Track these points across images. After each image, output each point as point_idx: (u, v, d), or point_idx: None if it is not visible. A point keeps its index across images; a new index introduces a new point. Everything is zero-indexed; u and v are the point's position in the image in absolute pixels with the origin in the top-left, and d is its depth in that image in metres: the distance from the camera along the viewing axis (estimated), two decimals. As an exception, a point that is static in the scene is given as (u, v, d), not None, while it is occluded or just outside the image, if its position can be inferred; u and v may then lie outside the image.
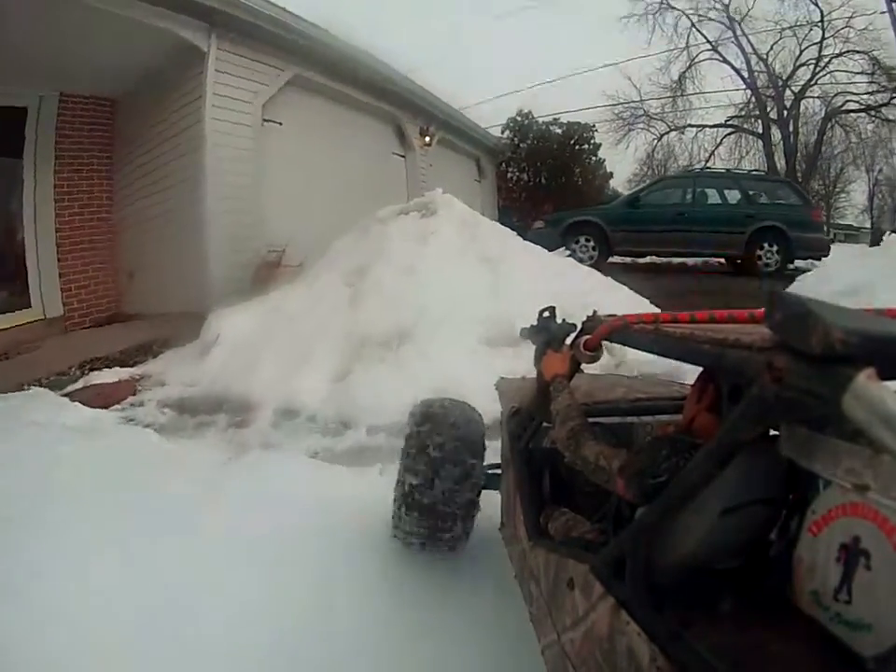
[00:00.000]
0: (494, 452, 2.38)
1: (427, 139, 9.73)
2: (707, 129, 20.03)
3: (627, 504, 1.27)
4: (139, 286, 7.60)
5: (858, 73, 17.93)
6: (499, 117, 16.86)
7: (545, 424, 1.81)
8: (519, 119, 17.75)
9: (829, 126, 18.55)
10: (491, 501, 2.35)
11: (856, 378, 0.70)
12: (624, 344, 1.49)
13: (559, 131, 17.72)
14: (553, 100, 18.92)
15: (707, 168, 12.20)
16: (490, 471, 2.35)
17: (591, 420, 1.49)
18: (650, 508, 1.12)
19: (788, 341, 0.84)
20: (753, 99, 19.41)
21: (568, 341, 1.74)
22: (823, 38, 18.25)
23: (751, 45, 19.22)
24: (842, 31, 17.76)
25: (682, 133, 20.26)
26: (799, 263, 9.50)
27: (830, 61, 18.20)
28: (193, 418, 4.51)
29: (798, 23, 18.40)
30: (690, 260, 10.44)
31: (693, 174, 11.68)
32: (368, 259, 5.58)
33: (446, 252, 5.59)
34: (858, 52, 17.71)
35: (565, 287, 5.65)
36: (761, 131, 19.12)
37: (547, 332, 1.86)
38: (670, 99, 19.97)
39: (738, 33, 19.12)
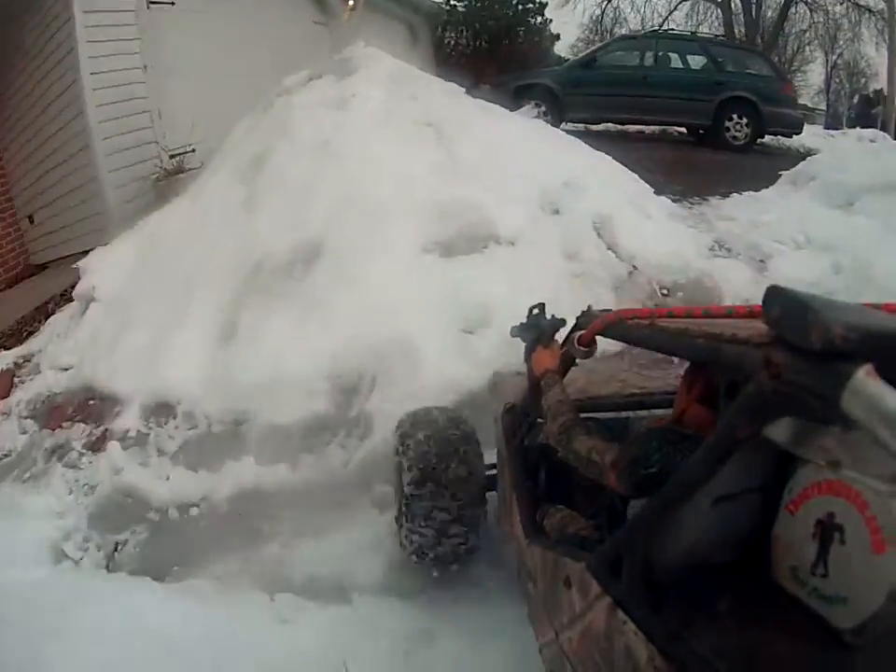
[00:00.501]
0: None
1: (352, 2, 7.55)
2: None
3: (621, 499, 1.21)
4: (42, 229, 6.32)
5: None
6: None
7: (539, 420, 1.66)
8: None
9: (794, 1, 17.03)
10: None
11: (855, 374, 0.67)
12: (619, 339, 1.40)
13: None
14: None
15: (671, 30, 9.91)
16: (491, 472, 2.19)
17: (586, 415, 1.45)
18: (646, 505, 1.05)
19: (786, 336, 0.79)
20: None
21: (558, 336, 1.64)
22: None
23: None
24: None
25: None
26: (770, 139, 8.99)
27: None
28: (52, 434, 3.41)
29: None
30: (647, 129, 9.57)
31: (656, 34, 10.56)
32: (268, 143, 4.16)
33: (373, 118, 4.17)
34: None
35: (542, 157, 4.32)
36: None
37: (536, 328, 1.71)
38: None
39: None
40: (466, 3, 15.41)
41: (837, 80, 20.52)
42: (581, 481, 1.49)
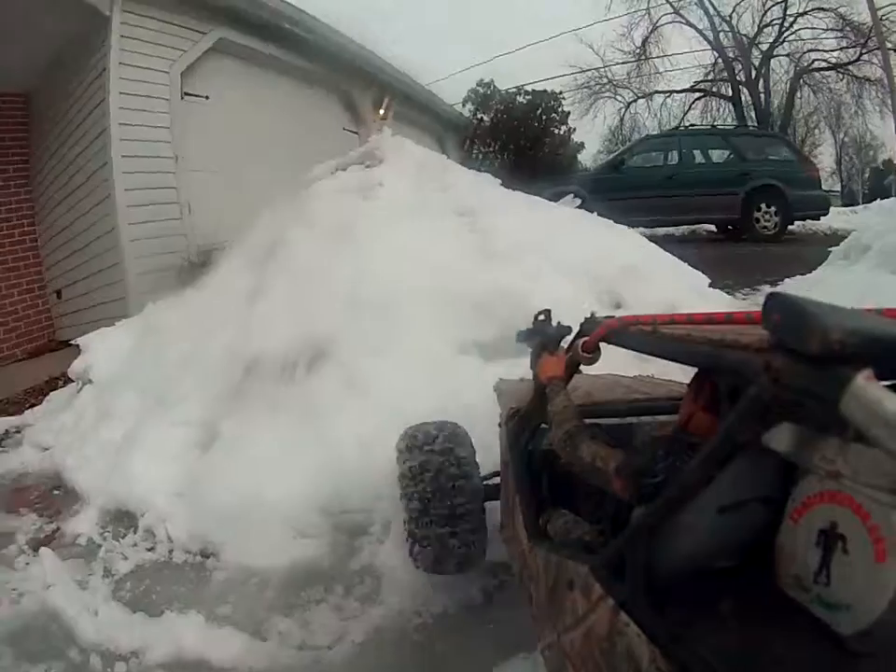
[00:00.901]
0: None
1: (382, 112, 7.39)
2: (676, 94, 18.14)
3: (625, 504, 1.16)
4: (70, 306, 6.13)
5: (825, 30, 16.43)
6: (460, 93, 14.31)
7: (543, 426, 1.66)
8: (480, 89, 15.12)
9: (798, 86, 16.99)
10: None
11: (854, 379, 0.65)
12: (622, 346, 1.36)
13: (524, 101, 14.85)
14: (515, 72, 16.34)
15: (692, 125, 9.45)
16: (488, 482, 2.16)
17: (590, 421, 1.44)
18: (648, 508, 1.04)
19: (786, 341, 0.77)
20: (720, 62, 17.54)
21: (564, 343, 1.63)
22: None
23: (713, 6, 17.29)
24: None
25: (650, 99, 18.38)
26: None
27: (795, 19, 16.61)
28: (6, 518, 2.88)
29: None
30: (676, 230, 9.12)
31: (679, 132, 10.30)
32: (284, 230, 3.76)
33: (399, 207, 3.73)
34: (824, 10, 16.16)
35: (593, 244, 3.75)
36: (730, 94, 17.36)
37: (542, 335, 1.71)
38: (635, 65, 17.94)
39: None
40: (493, 115, 15.44)
41: (848, 158, 20.16)
42: (585, 486, 1.46)
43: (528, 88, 15.97)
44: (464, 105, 15.66)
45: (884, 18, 14.00)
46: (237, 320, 3.22)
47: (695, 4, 17.16)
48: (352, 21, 7.96)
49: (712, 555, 1.09)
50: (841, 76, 16.50)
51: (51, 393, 4.26)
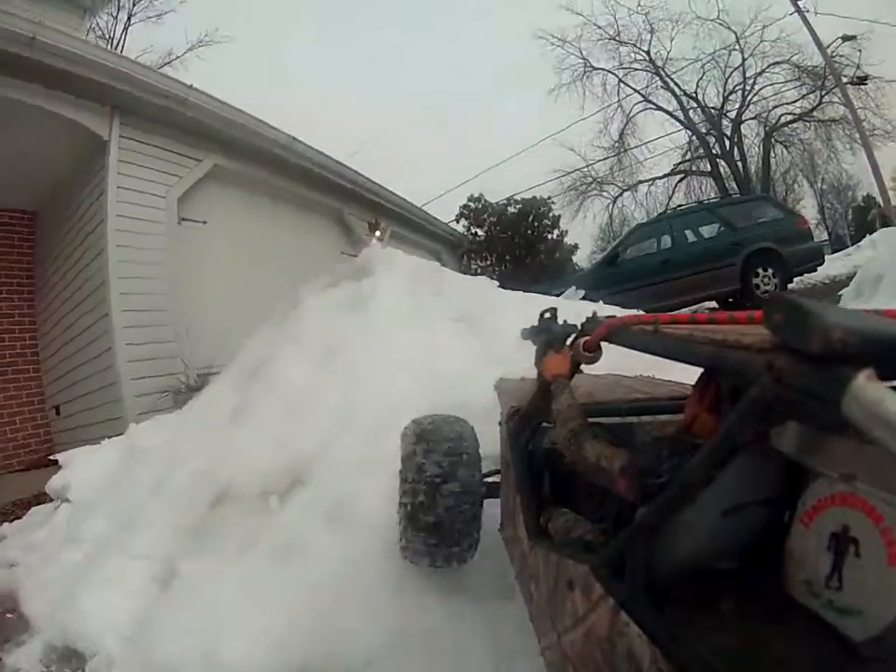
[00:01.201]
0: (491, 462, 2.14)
1: (379, 234, 7.57)
2: (658, 181, 18.85)
3: (628, 504, 1.16)
4: (68, 422, 6.12)
5: (784, 83, 17.24)
6: (453, 210, 14.94)
7: (545, 424, 1.70)
8: (472, 204, 15.69)
9: (771, 145, 17.63)
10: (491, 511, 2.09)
11: (855, 378, 0.65)
12: (624, 345, 1.35)
13: (515, 210, 15.41)
14: (502, 185, 16.99)
15: (679, 207, 10.01)
16: (488, 479, 2.16)
17: (591, 420, 1.39)
18: (649, 508, 1.04)
19: (787, 341, 0.77)
20: (695, 139, 18.40)
21: (569, 341, 1.61)
22: (744, 60, 17.47)
23: (679, 86, 18.31)
24: (759, 47, 17.11)
25: (635, 191, 19.05)
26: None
27: (755, 80, 17.49)
28: None
29: (716, 51, 17.57)
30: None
31: (666, 215, 10.30)
32: (272, 349, 3.64)
33: (392, 317, 3.63)
34: (778, 63, 17.09)
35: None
36: (709, 169, 18.11)
37: (548, 333, 1.69)
38: (616, 159, 18.68)
39: (664, 76, 18.18)
40: (486, 228, 16.07)
41: (829, 205, 20.58)
42: (586, 485, 1.45)
43: (518, 197, 16.69)
44: (458, 222, 16.32)
45: (834, 55, 14.62)
46: (213, 444, 3.04)
47: (662, 87, 18.16)
48: (344, 146, 8.36)
49: (713, 557, 1.09)
50: (808, 124, 17.18)
51: (34, 507, 4.07)
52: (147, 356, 5.26)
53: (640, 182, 18.72)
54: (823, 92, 16.30)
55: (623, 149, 18.50)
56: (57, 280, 6.15)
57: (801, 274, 8.43)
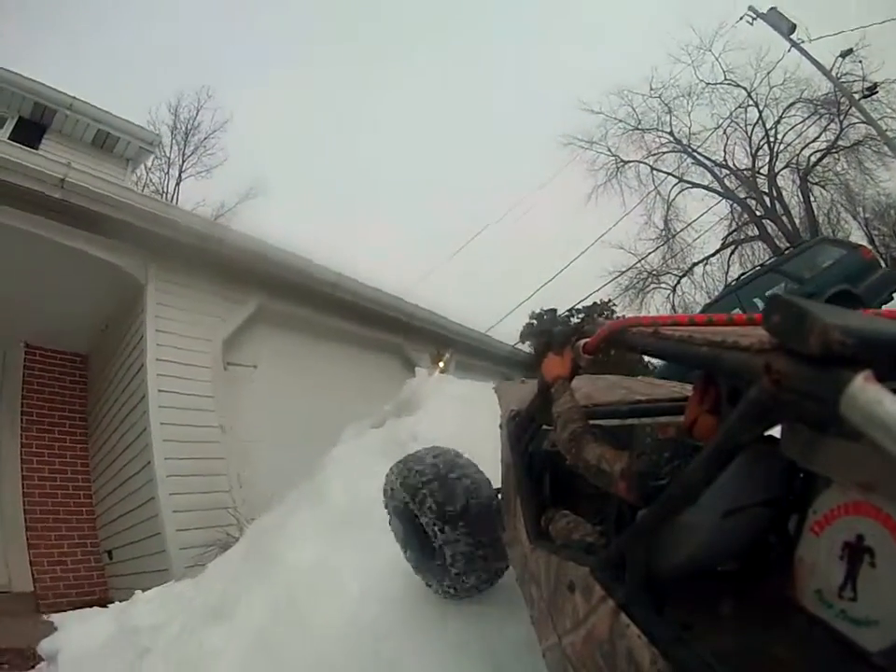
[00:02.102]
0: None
1: (442, 365, 7.19)
2: (711, 259, 18.26)
3: (628, 506, 1.19)
4: (120, 568, 5.89)
5: (803, 121, 16.80)
6: (516, 330, 14.74)
7: (545, 426, 1.70)
8: (534, 322, 15.26)
9: (808, 188, 16.97)
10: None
11: (854, 380, 0.66)
12: (624, 347, 1.36)
13: (579, 320, 15.04)
14: (560, 299, 16.90)
15: (741, 276, 10.07)
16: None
17: (591, 422, 1.39)
18: (649, 509, 1.05)
19: (786, 342, 0.78)
20: (736, 206, 17.91)
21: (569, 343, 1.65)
22: (760, 113, 17.19)
23: (708, 158, 18.14)
24: (770, 95, 16.87)
25: (691, 274, 18.55)
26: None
27: (776, 129, 17.10)
28: None
29: (732, 112, 17.47)
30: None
31: (729, 288, 9.77)
32: (292, 508, 3.39)
33: None
34: (793, 105, 16.78)
35: None
36: (757, 232, 17.53)
37: (548, 334, 1.82)
38: (666, 247, 18.38)
39: (692, 152, 18.08)
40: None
41: (876, 231, 19.06)
42: (586, 487, 1.43)
43: (579, 306, 16.38)
44: (523, 342, 16.09)
45: (839, 76, 14.33)
46: (187, 646, 2.70)
47: (693, 164, 18.06)
48: (391, 278, 8.12)
49: (713, 558, 1.09)
50: (837, 156, 16.66)
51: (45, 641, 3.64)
52: (194, 506, 5.01)
53: (695, 265, 18.34)
54: (841, 118, 15.97)
55: (670, 236, 18.29)
56: (107, 424, 6.16)
57: (880, 306, 7.61)
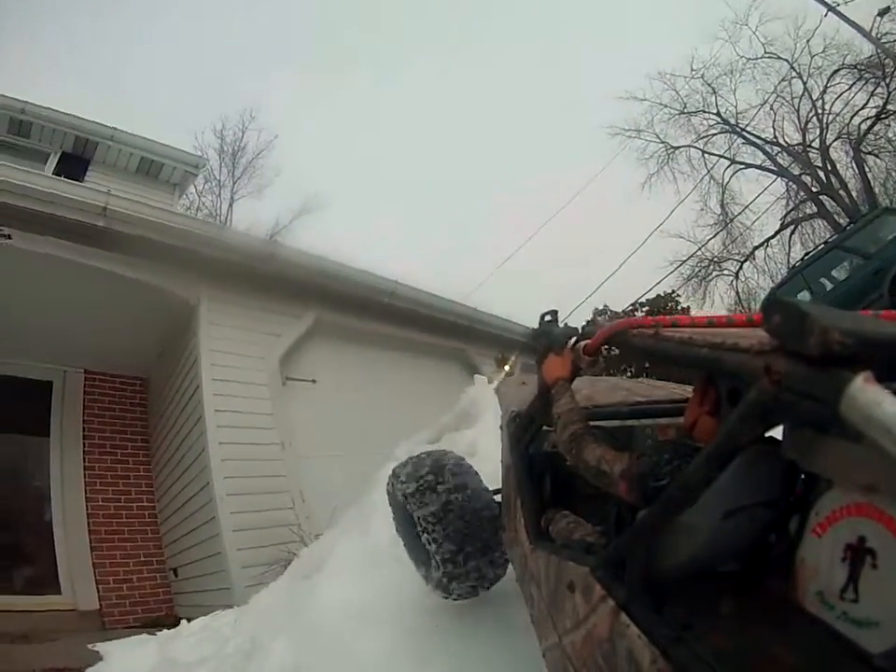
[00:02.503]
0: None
1: (508, 369, 6.88)
2: (772, 241, 17.15)
3: (628, 507, 1.20)
4: (185, 585, 5.96)
5: (849, 89, 15.60)
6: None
7: (545, 427, 1.71)
8: (599, 318, 14.77)
9: (862, 158, 15.72)
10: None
11: (853, 380, 0.66)
12: (624, 349, 1.37)
13: (644, 314, 14.41)
14: (621, 291, 16.41)
15: (805, 256, 9.37)
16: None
17: (591, 423, 1.40)
18: (649, 510, 1.06)
19: (786, 343, 0.79)
20: (791, 184, 16.73)
21: (570, 344, 1.64)
22: (805, 84, 16.20)
23: (758, 137, 17.05)
24: (812, 64, 15.85)
25: (753, 258, 17.46)
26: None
27: (822, 100, 16.01)
28: None
29: (777, 86, 16.44)
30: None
31: (795, 269, 9.08)
32: (337, 536, 3.28)
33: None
34: (837, 72, 15.63)
35: None
36: (816, 209, 16.39)
37: (549, 335, 1.68)
38: (725, 233, 17.38)
39: (741, 131, 17.05)
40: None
41: None
42: (586, 488, 1.45)
43: (643, 300, 15.83)
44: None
45: (880, 37, 13.69)
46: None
47: (743, 144, 17.22)
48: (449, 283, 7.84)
49: (713, 558, 1.09)
50: (887, 121, 15.56)
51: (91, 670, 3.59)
52: (255, 524, 4.97)
53: (755, 248, 17.41)
54: (888, 80, 14.89)
55: (728, 220, 17.40)
56: (167, 445, 6.28)
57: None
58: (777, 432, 0.96)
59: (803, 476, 1.02)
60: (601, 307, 15.85)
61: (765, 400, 0.80)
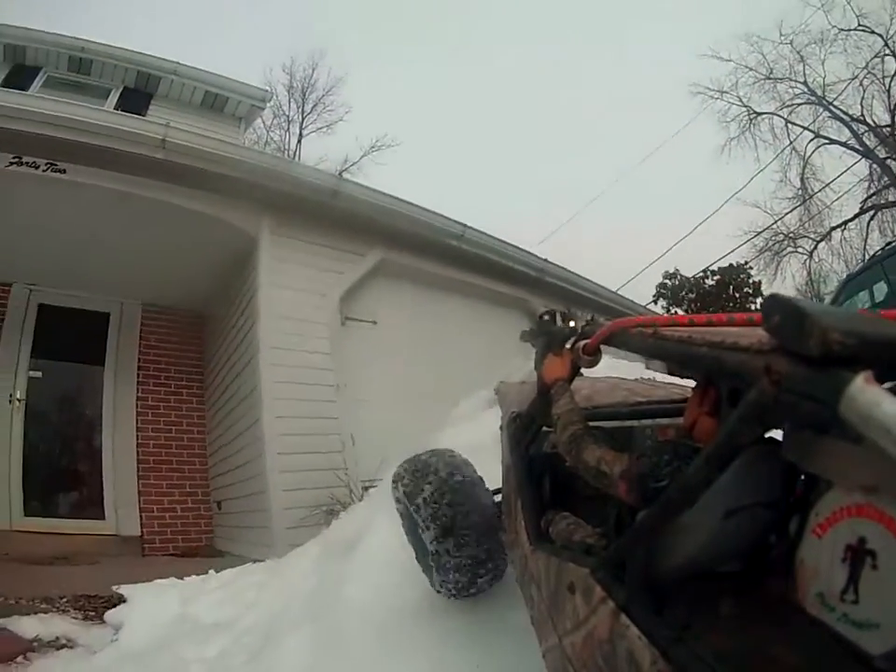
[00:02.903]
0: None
1: (574, 324, 6.33)
2: (850, 224, 16.24)
3: (628, 508, 1.18)
4: (227, 519, 6.00)
5: None
6: (647, 290, 13.63)
7: (545, 428, 1.70)
8: (668, 282, 14.14)
9: None
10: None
11: (853, 381, 0.65)
12: (623, 348, 1.31)
13: (713, 283, 13.69)
14: (692, 255, 15.63)
15: (888, 245, 8.48)
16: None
17: (591, 424, 1.39)
18: (649, 511, 1.05)
19: (785, 343, 0.78)
20: (876, 167, 15.60)
21: (569, 344, 1.63)
22: None
23: (845, 112, 15.91)
24: None
25: (829, 239, 16.62)
26: None
27: None
28: None
29: (869, 62, 15.09)
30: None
31: (875, 259, 8.10)
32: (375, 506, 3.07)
33: None
34: None
35: None
36: None
37: (548, 335, 1.70)
38: (803, 208, 16.50)
39: (827, 104, 15.94)
40: (686, 307, 15.37)
41: None
42: (587, 489, 1.44)
43: (714, 267, 15.06)
44: (656, 303, 15.05)
45: None
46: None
47: (829, 118, 16.31)
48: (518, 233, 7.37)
49: (714, 559, 1.06)
50: None
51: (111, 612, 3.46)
52: (303, 466, 4.81)
53: (832, 229, 16.59)
54: None
55: (807, 196, 16.60)
56: (220, 380, 6.32)
57: None
58: (777, 433, 0.95)
59: (803, 477, 1.00)
60: (672, 270, 15.24)
61: (765, 401, 0.79)
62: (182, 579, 3.87)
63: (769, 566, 1.04)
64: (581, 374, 1.63)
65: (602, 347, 1.47)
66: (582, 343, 1.50)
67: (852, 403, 0.63)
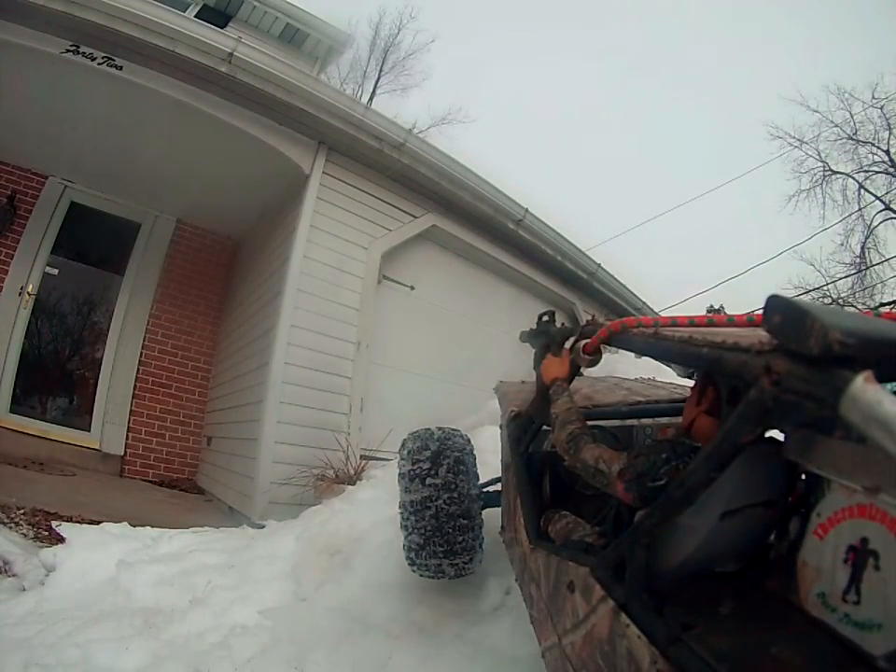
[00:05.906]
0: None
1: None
2: None
3: (627, 507, 1.18)
4: (214, 457, 5.66)
5: None
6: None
7: (545, 427, 1.68)
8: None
9: None
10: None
11: (853, 380, 0.65)
12: (624, 348, 1.33)
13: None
14: (738, 296, 14.93)
15: None
16: (487, 489, 2.15)
17: (591, 423, 1.42)
18: (649, 510, 1.06)
19: (786, 343, 0.78)
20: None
21: (568, 344, 1.61)
22: None
23: None
24: None
25: (878, 314, 13.63)
26: None
27: None
28: None
29: None
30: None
31: None
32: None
33: None
34: None
35: None
36: None
37: (546, 335, 1.67)
38: (857, 277, 15.73)
39: None
40: None
41: None
42: (586, 488, 1.48)
43: (757, 313, 14.47)
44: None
45: None
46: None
47: None
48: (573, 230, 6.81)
49: (713, 559, 1.06)
50: None
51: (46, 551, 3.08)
52: (303, 421, 4.52)
53: (881, 305, 15.77)
54: None
55: (865, 266, 15.89)
56: (240, 313, 6.13)
57: None
58: (777, 432, 0.97)
59: (804, 477, 1.00)
60: (717, 306, 14.67)
61: (765, 400, 0.79)
62: (135, 528, 3.45)
63: (769, 566, 1.03)
64: (581, 374, 1.65)
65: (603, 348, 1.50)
66: (583, 342, 1.51)
67: (853, 403, 0.62)
